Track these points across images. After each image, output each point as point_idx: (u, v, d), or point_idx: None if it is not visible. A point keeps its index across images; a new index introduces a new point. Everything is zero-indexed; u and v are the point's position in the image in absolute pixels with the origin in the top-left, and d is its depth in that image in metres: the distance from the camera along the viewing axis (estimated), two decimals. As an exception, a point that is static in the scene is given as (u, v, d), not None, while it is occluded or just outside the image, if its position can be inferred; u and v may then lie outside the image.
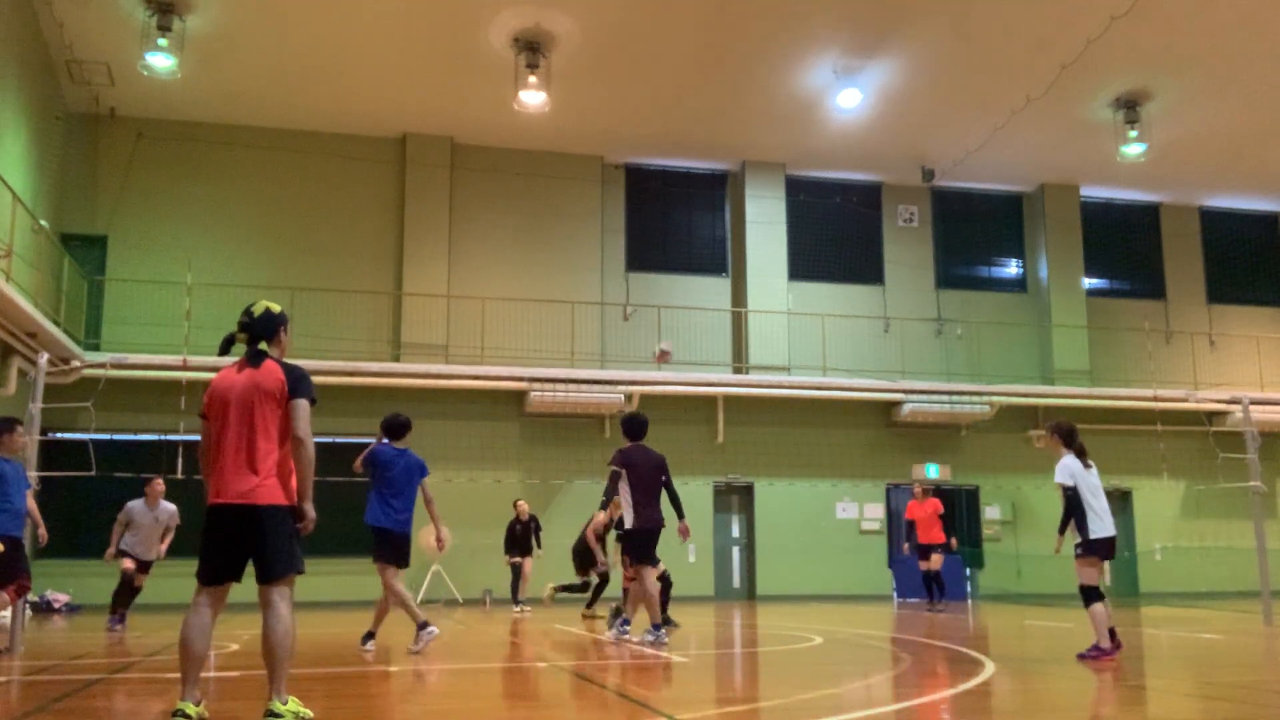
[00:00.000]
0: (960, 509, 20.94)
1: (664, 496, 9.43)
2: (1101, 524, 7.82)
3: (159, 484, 12.12)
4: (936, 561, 15.36)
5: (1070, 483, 7.93)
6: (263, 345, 4.86)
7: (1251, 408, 12.90)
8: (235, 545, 4.51)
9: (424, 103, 18.75)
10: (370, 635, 8.83)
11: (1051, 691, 5.98)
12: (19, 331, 14.27)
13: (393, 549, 8.60)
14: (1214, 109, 18.91)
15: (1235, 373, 22.20)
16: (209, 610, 4.53)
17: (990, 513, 21.04)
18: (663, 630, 9.10)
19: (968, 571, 19.90)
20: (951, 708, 5.26)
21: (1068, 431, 8.09)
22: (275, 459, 4.55)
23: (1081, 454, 7.99)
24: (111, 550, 11.97)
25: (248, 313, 4.93)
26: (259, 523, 4.46)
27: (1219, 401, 19.93)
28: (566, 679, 6.66)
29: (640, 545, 9.24)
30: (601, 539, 13.54)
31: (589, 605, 13.82)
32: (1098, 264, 22.78)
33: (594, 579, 13.82)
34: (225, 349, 4.93)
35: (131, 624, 12.53)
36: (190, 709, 4.36)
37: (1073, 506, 7.92)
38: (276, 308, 4.94)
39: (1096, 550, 7.81)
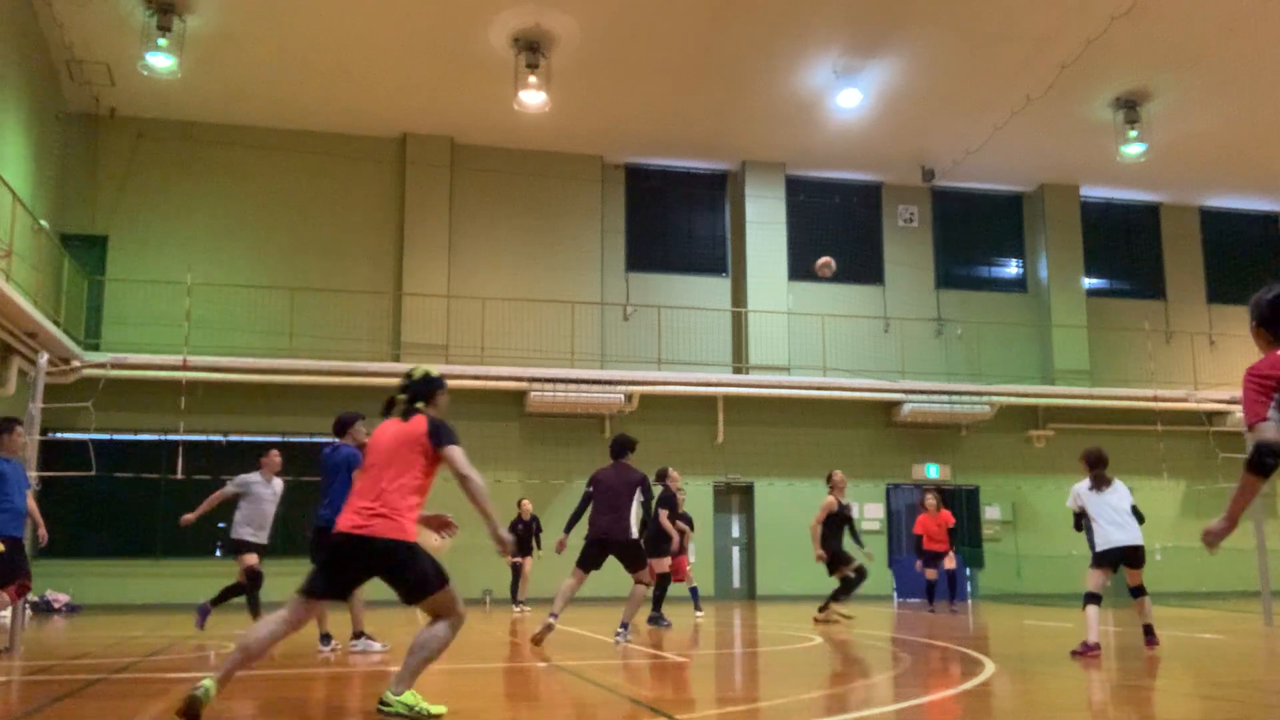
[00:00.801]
0: (960, 509, 20.92)
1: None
2: (1104, 538, 8.28)
3: (275, 455, 10.97)
4: (950, 562, 15.31)
5: (1071, 506, 8.64)
6: (419, 404, 5.17)
7: (1251, 408, 12.87)
8: (361, 570, 4.88)
9: (424, 103, 18.74)
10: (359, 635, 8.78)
11: (1051, 691, 5.98)
12: (19, 331, 14.27)
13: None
14: (1214, 109, 18.91)
15: (1235, 373, 21.93)
16: (289, 618, 4.77)
17: (990, 513, 21.04)
18: (626, 631, 9.40)
19: (968, 571, 19.91)
20: (951, 708, 5.26)
21: (1091, 458, 8.59)
22: (397, 499, 4.83)
23: (1098, 479, 8.45)
24: (191, 517, 10.81)
25: (408, 375, 5.27)
26: (386, 555, 4.76)
27: (1219, 401, 19.93)
28: (566, 679, 6.66)
29: (583, 552, 9.46)
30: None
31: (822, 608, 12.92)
32: (1098, 264, 22.78)
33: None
34: (387, 410, 5.26)
35: (132, 624, 12.51)
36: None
37: (1078, 524, 8.69)
38: (435, 371, 5.29)
39: (1099, 561, 8.30)
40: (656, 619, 11.78)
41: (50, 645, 9.55)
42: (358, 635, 8.54)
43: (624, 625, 9.48)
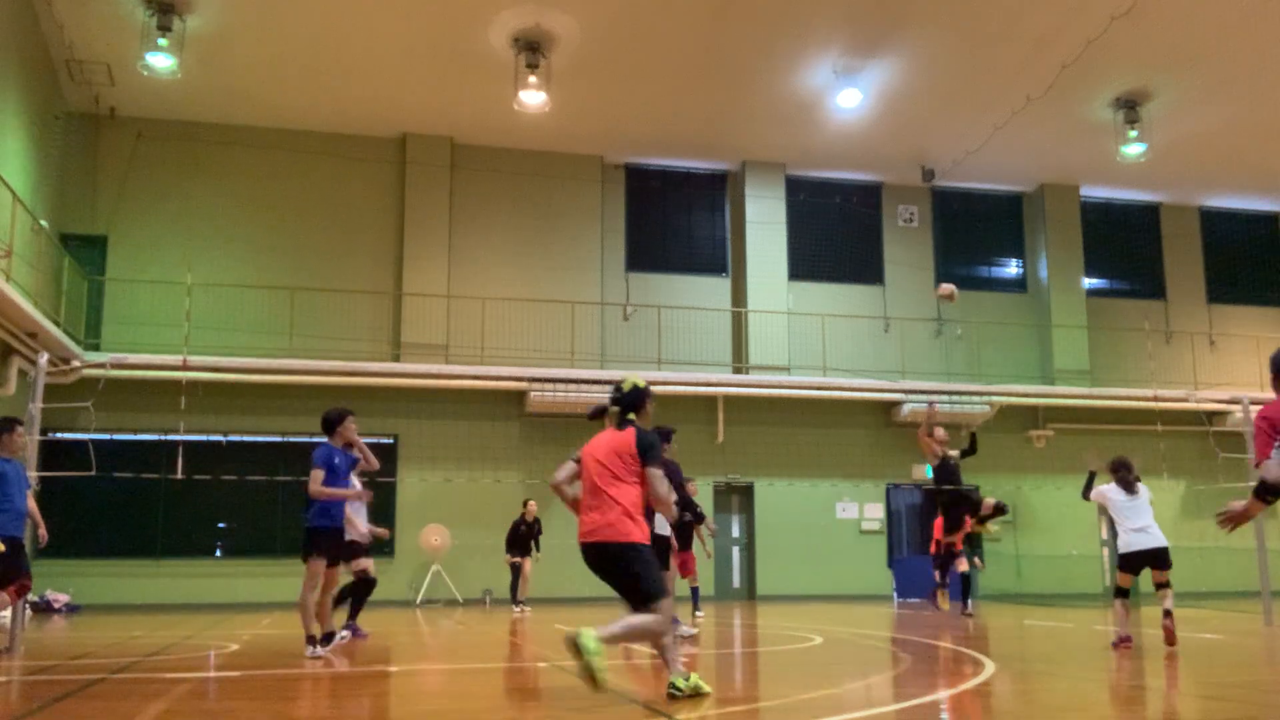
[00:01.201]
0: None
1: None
2: (1130, 542, 8.60)
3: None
4: (963, 564, 15.01)
5: (1093, 499, 9.15)
6: (630, 415, 5.66)
7: (1251, 408, 12.88)
8: (601, 573, 5.37)
9: (424, 103, 18.74)
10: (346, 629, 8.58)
11: (1051, 691, 5.98)
12: (19, 331, 14.28)
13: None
14: (1214, 109, 18.91)
15: (1235, 373, 22.19)
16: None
17: (990, 513, 21.01)
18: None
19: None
20: (951, 708, 5.26)
21: (1120, 464, 8.99)
22: (621, 506, 5.28)
23: (1128, 484, 8.80)
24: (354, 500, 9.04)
25: (618, 388, 5.77)
26: (615, 559, 5.26)
27: (1219, 401, 19.92)
28: (566, 679, 6.66)
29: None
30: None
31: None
32: (1098, 264, 22.78)
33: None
34: (598, 416, 5.79)
35: (132, 624, 12.51)
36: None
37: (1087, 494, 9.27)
38: (642, 383, 5.75)
39: (1126, 564, 8.68)
40: None
41: (50, 645, 9.55)
42: (329, 637, 8.18)
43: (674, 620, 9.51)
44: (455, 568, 18.08)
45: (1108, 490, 8.81)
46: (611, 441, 5.50)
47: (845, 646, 9.00)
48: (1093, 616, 13.26)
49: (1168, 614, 8.49)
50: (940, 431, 12.92)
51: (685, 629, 9.53)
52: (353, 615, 10.20)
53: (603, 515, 5.27)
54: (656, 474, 5.36)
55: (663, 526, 9.74)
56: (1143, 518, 8.58)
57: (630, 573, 5.23)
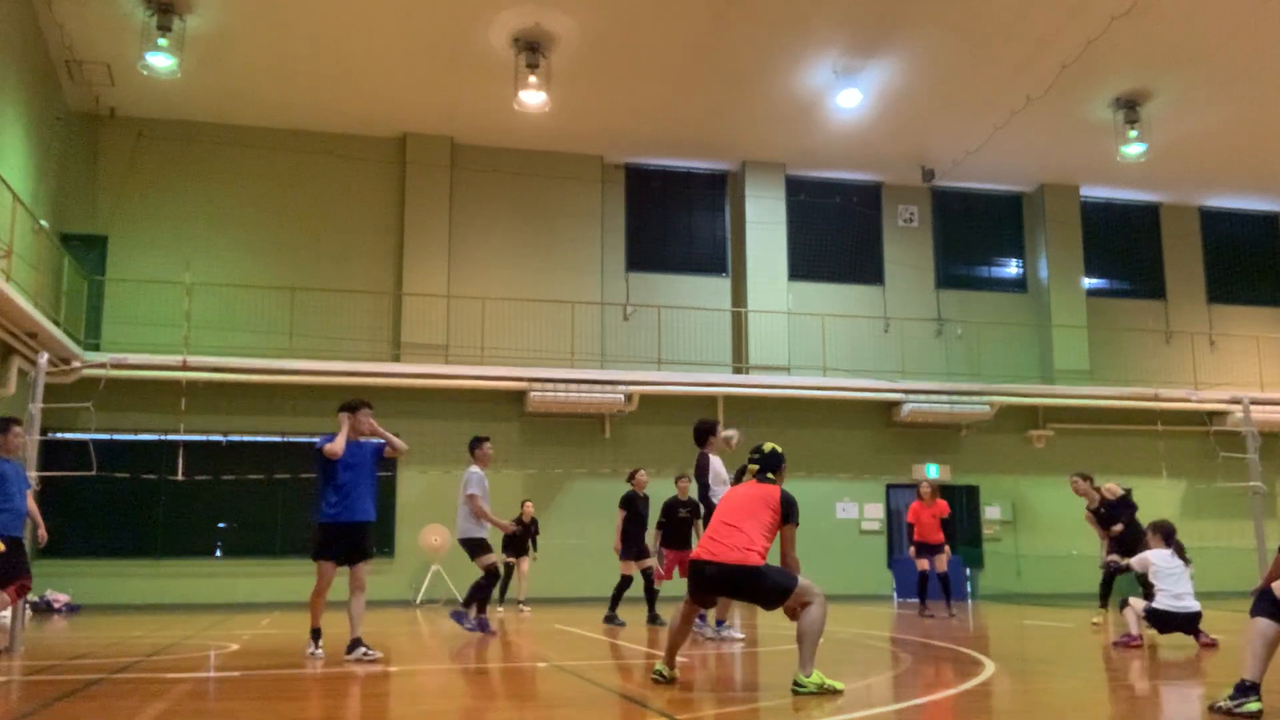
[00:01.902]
0: (960, 509, 20.93)
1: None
2: (1170, 604, 8.64)
3: (488, 446, 10.79)
4: (941, 562, 14.70)
5: (1137, 567, 9.17)
6: (770, 475, 6.27)
7: (1251, 408, 12.88)
8: (718, 587, 5.95)
9: (424, 103, 18.74)
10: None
11: (1051, 691, 5.98)
12: (19, 331, 14.27)
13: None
14: (1214, 109, 18.91)
15: (1235, 373, 22.20)
16: (689, 612, 6.11)
17: (990, 513, 21.04)
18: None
19: (967, 571, 19.90)
20: (951, 708, 5.26)
21: (1168, 530, 9.06)
22: (756, 542, 5.82)
23: (1180, 549, 8.91)
24: (507, 524, 11.34)
25: (758, 449, 6.35)
26: (733, 581, 5.84)
27: (1219, 401, 19.91)
28: (566, 679, 6.67)
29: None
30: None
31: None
32: (1098, 264, 22.78)
33: None
34: (739, 478, 6.41)
35: (132, 624, 12.52)
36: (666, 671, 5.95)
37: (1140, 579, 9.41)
38: (780, 449, 6.35)
39: (1156, 621, 8.71)
40: (612, 618, 11.82)
41: (50, 645, 9.55)
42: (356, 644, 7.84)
43: (719, 622, 9.59)
44: (455, 568, 18.06)
45: (1152, 557, 8.83)
46: (757, 492, 6.07)
47: (845, 646, 9.00)
48: (1093, 616, 13.24)
49: (1202, 635, 8.58)
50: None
51: (734, 632, 9.64)
52: (481, 609, 10.56)
53: (734, 541, 5.82)
54: (792, 532, 6.06)
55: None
56: (1184, 585, 8.69)
57: (762, 590, 5.77)
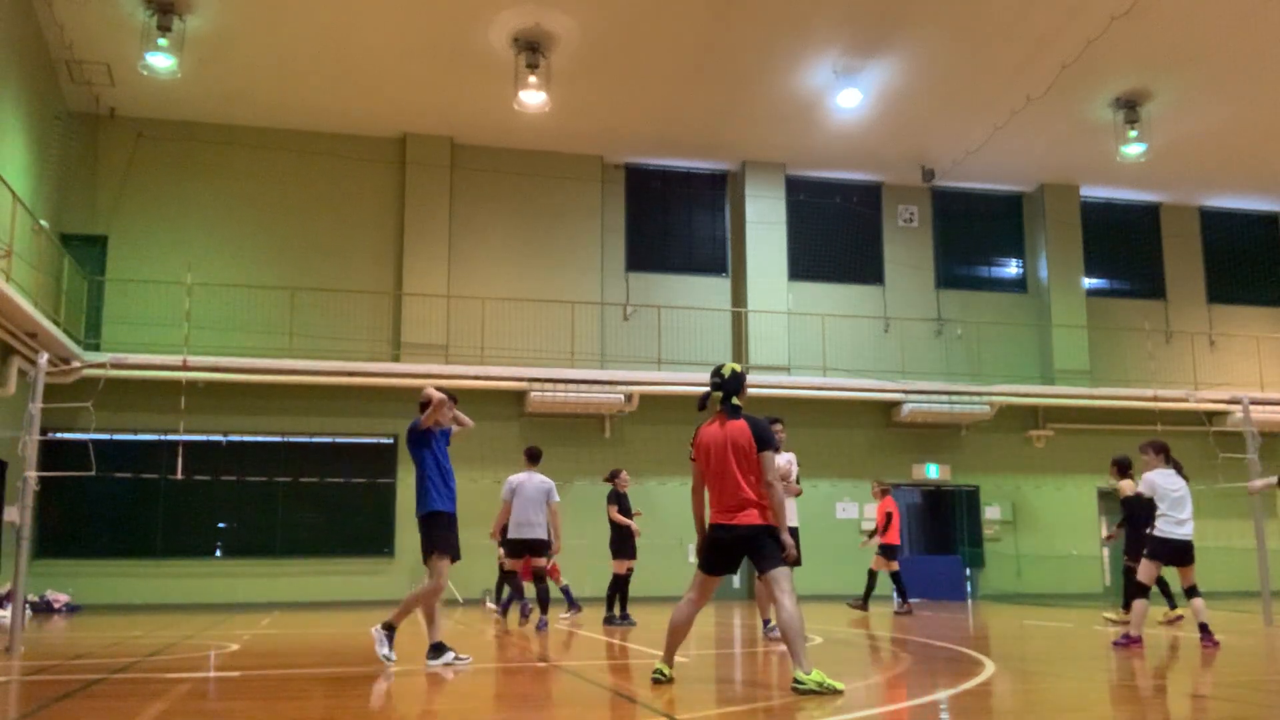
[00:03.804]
0: (960, 509, 20.94)
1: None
2: (1165, 530, 8.53)
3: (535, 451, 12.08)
4: (878, 563, 15.04)
5: (1145, 491, 8.84)
6: (734, 400, 6.02)
7: (1251, 408, 12.89)
8: (727, 552, 5.89)
9: (424, 103, 18.74)
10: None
11: (1051, 691, 5.98)
12: (19, 331, 14.27)
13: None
14: (1214, 109, 18.91)
15: (1235, 373, 22.19)
16: (697, 596, 6.00)
17: (990, 513, 21.04)
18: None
19: (968, 571, 19.89)
20: (951, 708, 5.26)
21: (1163, 447, 8.98)
22: (748, 493, 5.79)
23: (1179, 469, 8.78)
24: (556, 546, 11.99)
25: (718, 373, 6.11)
26: (746, 540, 5.80)
27: (1219, 401, 19.91)
28: (566, 679, 6.67)
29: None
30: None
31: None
32: (1098, 264, 22.78)
33: None
34: (703, 405, 6.16)
35: (132, 624, 12.52)
36: (666, 670, 5.92)
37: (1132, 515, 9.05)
38: (739, 368, 6.16)
39: (1155, 554, 8.57)
40: (611, 619, 11.86)
41: (50, 645, 9.55)
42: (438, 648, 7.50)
43: (766, 621, 9.60)
44: (455, 568, 17.98)
45: (1158, 478, 8.62)
46: (727, 434, 5.90)
47: (845, 646, 9.00)
48: (1093, 617, 13.26)
49: (1206, 631, 8.47)
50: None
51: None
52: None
53: (738, 503, 5.78)
54: (769, 459, 5.82)
55: (792, 518, 9.87)
56: (1187, 509, 8.53)
57: (767, 552, 5.74)
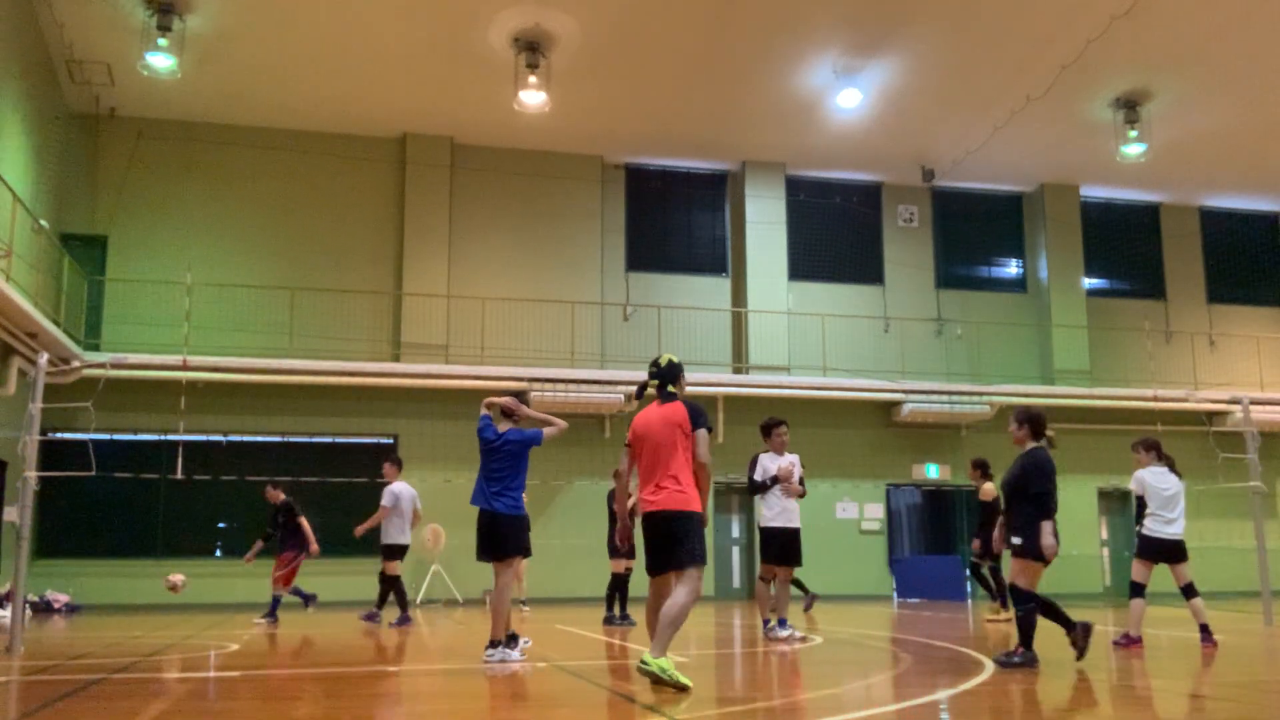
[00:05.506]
0: (960, 509, 20.93)
1: None
2: (1154, 528, 8.66)
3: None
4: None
5: (1135, 490, 8.93)
6: (670, 388, 6.14)
7: (1251, 408, 12.90)
8: (661, 543, 5.82)
9: (424, 103, 18.74)
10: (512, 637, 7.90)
11: (1051, 691, 5.98)
12: (19, 331, 14.27)
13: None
14: (1214, 109, 18.91)
15: (1235, 373, 22.19)
16: (656, 596, 5.91)
17: (990, 513, 21.01)
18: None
19: (967, 571, 19.86)
20: (951, 708, 5.26)
21: (1155, 444, 8.99)
22: (682, 476, 5.81)
23: (1172, 468, 8.85)
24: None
25: (655, 364, 6.21)
26: (668, 524, 5.78)
27: (1219, 401, 19.91)
28: (566, 679, 6.67)
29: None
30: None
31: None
32: (1098, 264, 22.78)
33: None
34: (640, 394, 6.29)
35: (132, 624, 12.52)
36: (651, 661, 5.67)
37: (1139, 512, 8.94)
38: (676, 358, 6.24)
39: (1144, 553, 8.67)
40: (611, 619, 11.87)
41: (50, 645, 9.55)
42: (495, 644, 7.58)
43: (781, 621, 9.59)
44: (456, 567, 18.07)
45: (1148, 476, 8.68)
46: (664, 416, 5.97)
47: (845, 646, 9.01)
48: (1092, 617, 13.24)
49: (1206, 632, 8.51)
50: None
51: (796, 632, 9.70)
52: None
53: (665, 487, 5.79)
54: (702, 436, 5.90)
55: (791, 519, 9.88)
56: (1178, 508, 8.61)
57: (676, 537, 5.71)
